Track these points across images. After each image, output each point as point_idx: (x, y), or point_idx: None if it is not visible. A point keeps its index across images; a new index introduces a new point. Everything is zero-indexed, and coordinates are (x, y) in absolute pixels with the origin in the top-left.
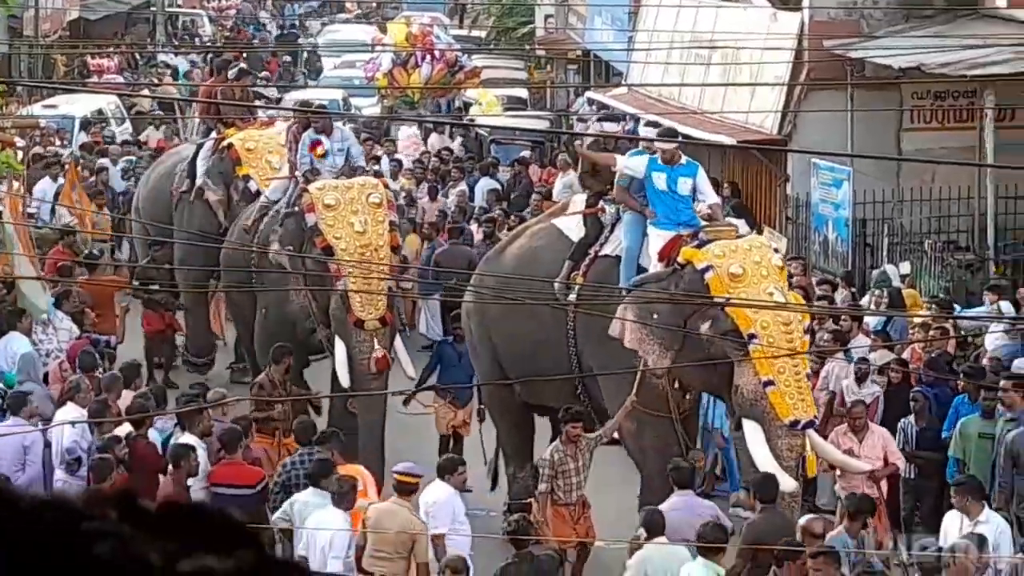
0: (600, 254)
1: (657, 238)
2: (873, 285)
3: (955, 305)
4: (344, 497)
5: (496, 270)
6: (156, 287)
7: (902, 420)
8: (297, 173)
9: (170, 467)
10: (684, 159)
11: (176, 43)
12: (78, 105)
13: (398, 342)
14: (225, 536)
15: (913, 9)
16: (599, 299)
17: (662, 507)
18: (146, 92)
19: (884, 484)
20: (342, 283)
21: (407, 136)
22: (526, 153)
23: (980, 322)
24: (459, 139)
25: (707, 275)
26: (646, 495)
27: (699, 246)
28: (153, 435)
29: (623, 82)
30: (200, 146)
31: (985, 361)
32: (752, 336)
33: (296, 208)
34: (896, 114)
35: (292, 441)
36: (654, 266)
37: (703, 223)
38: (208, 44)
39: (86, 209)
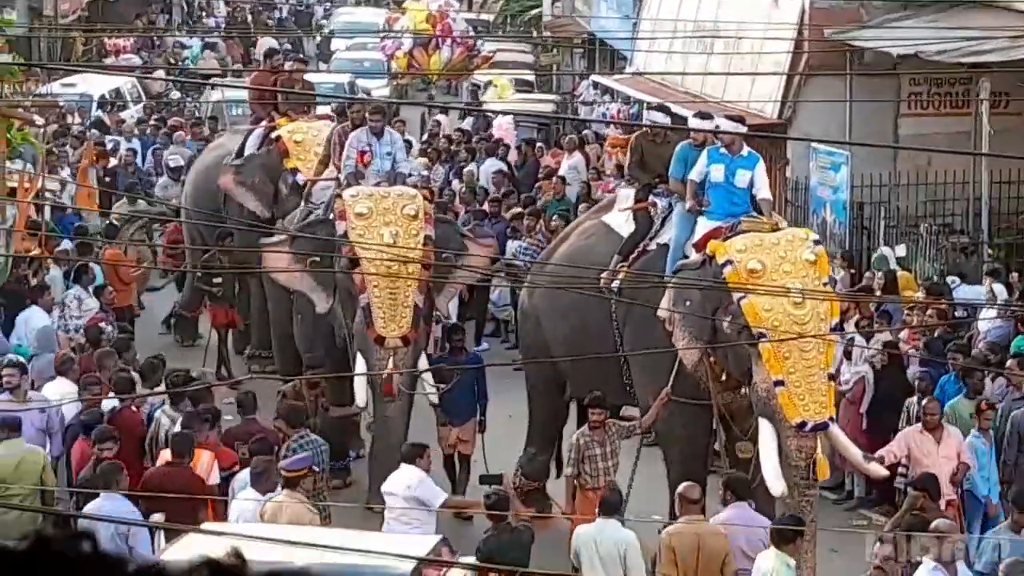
0: (648, 248)
1: (705, 228)
2: (873, 266)
3: (954, 279)
4: (258, 477)
5: (548, 269)
6: (219, 280)
7: (907, 400)
8: (340, 176)
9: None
10: (746, 150)
11: (192, 23)
12: (96, 84)
13: (423, 363)
14: None
15: None
16: (642, 287)
17: (717, 518)
18: (161, 74)
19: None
20: (365, 296)
21: (504, 123)
22: (533, 135)
23: (973, 304)
24: (470, 119)
25: (726, 269)
26: (672, 479)
27: (729, 238)
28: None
29: (627, 67)
30: (248, 135)
31: (981, 344)
32: (761, 335)
33: (330, 215)
34: (893, 99)
35: None
36: (693, 256)
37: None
38: (222, 26)
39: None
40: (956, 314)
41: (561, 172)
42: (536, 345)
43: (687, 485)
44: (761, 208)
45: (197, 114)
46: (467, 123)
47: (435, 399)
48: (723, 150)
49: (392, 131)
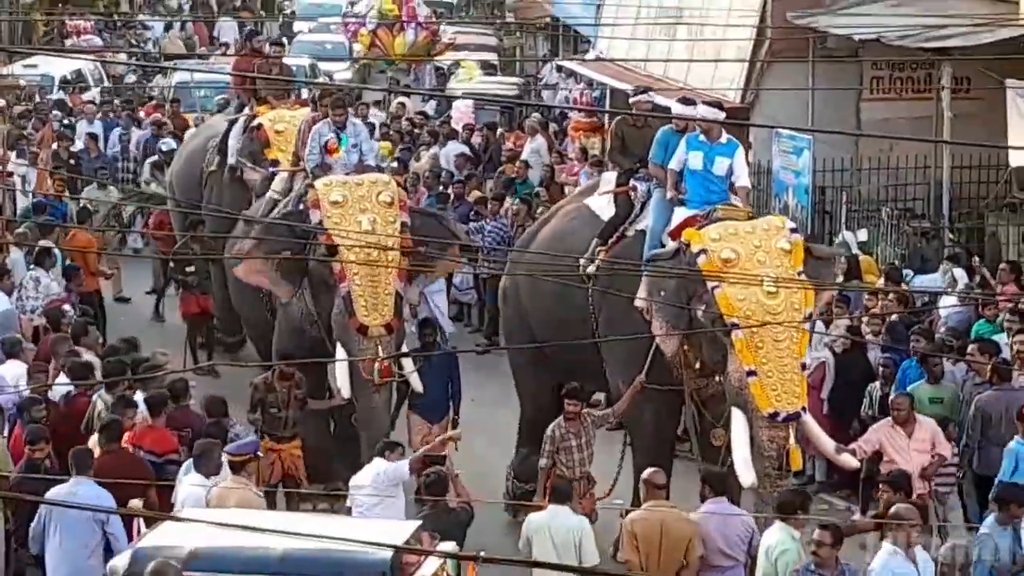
0: (627, 232)
1: (681, 216)
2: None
3: (909, 270)
4: (200, 460)
5: (529, 251)
6: (191, 269)
7: (869, 385)
8: (305, 167)
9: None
10: (725, 137)
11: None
12: (58, 65)
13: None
14: None
15: None
16: (618, 274)
17: (693, 515)
18: (123, 57)
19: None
20: (345, 286)
21: (463, 106)
22: (495, 119)
23: (935, 292)
24: (432, 103)
25: (700, 259)
26: (638, 464)
27: (704, 226)
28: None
29: (591, 51)
30: (232, 122)
31: (942, 329)
32: (734, 324)
33: (301, 206)
34: (856, 84)
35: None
36: (669, 244)
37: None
38: (186, 8)
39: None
40: (917, 302)
41: (524, 156)
42: (519, 329)
43: (653, 471)
44: (739, 197)
45: (160, 95)
46: (429, 107)
47: (419, 385)
48: (702, 137)
49: (356, 122)
